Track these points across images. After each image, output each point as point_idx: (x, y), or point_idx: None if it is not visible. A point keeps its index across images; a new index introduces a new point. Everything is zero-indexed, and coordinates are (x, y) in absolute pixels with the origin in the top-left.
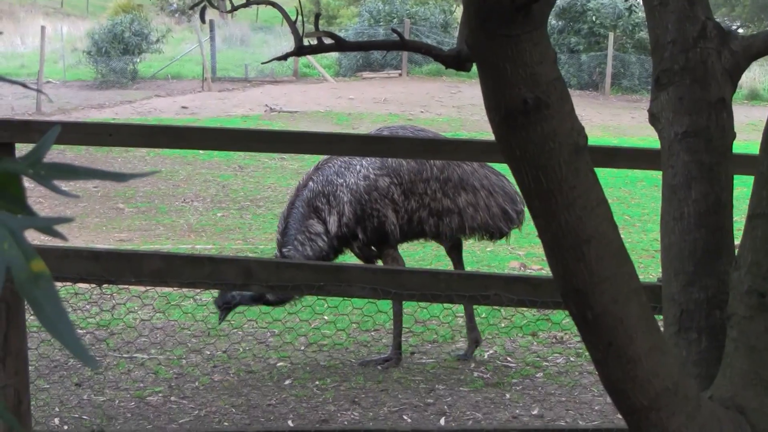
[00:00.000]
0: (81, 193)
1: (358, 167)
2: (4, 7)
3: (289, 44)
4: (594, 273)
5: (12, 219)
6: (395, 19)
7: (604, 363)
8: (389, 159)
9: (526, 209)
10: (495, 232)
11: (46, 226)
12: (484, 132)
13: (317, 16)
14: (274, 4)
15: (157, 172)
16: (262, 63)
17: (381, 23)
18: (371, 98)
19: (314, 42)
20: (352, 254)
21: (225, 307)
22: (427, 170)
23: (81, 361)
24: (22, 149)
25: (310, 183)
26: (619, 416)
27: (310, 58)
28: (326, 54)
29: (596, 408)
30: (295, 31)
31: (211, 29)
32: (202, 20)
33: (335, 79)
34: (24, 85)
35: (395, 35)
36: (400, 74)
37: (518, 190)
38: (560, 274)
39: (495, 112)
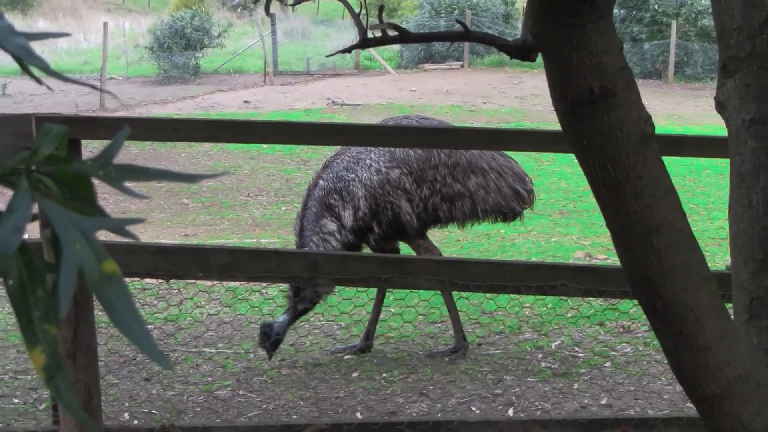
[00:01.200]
0: (146, 190)
1: (367, 161)
2: (66, 4)
3: (350, 37)
4: (663, 262)
5: (84, 220)
6: (456, 11)
7: (674, 352)
8: (398, 150)
9: (535, 188)
10: (508, 212)
11: (118, 227)
12: (547, 122)
13: (381, 8)
14: None
15: (226, 173)
16: (327, 56)
17: (442, 15)
18: (433, 90)
19: (378, 34)
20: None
21: (273, 346)
22: (435, 157)
23: (154, 360)
24: (87, 145)
25: (321, 181)
26: (690, 405)
27: (371, 50)
28: (388, 46)
29: (665, 397)
30: (359, 23)
31: (273, 23)
32: (267, 12)
33: (397, 72)
34: (94, 87)
35: (458, 26)
36: (462, 66)
37: (526, 169)
38: (629, 264)
39: (561, 102)
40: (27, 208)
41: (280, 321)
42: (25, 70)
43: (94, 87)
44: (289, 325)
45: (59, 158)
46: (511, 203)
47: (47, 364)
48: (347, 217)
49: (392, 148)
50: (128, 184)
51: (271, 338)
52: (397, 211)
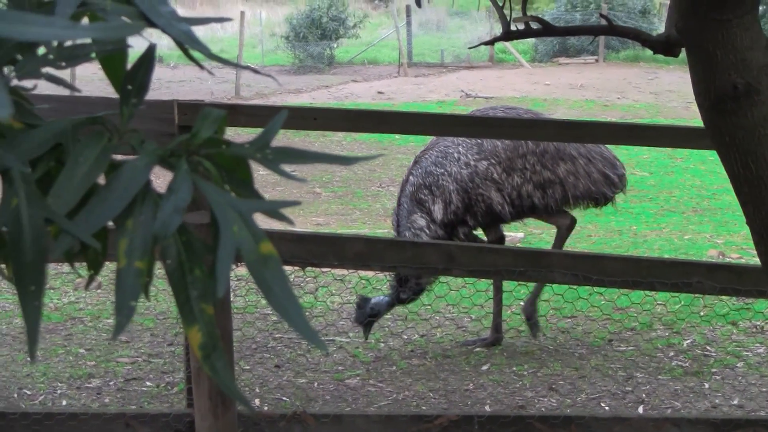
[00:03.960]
0: (278, 177)
1: (455, 155)
2: None
3: (485, 29)
4: None
5: (241, 203)
6: (592, 5)
7: None
8: (485, 142)
9: (627, 173)
10: (599, 197)
11: (273, 210)
12: (682, 119)
13: (524, 1)
14: None
15: (381, 155)
16: (469, 48)
17: (578, 8)
18: (567, 84)
19: (521, 27)
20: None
21: (368, 322)
22: (523, 146)
23: (310, 343)
24: (227, 131)
25: (411, 177)
26: None
27: (507, 43)
28: (523, 39)
29: None
30: (502, 15)
31: (408, 14)
32: (418, 4)
33: (531, 65)
34: (254, 71)
35: (600, 20)
36: (597, 60)
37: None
38: None
39: (704, 98)
40: (187, 189)
41: (379, 300)
42: (187, 55)
43: (254, 71)
44: (388, 307)
45: (218, 141)
46: (601, 188)
47: (204, 343)
48: (437, 211)
49: (480, 140)
50: (286, 168)
51: (364, 313)
52: (489, 202)
